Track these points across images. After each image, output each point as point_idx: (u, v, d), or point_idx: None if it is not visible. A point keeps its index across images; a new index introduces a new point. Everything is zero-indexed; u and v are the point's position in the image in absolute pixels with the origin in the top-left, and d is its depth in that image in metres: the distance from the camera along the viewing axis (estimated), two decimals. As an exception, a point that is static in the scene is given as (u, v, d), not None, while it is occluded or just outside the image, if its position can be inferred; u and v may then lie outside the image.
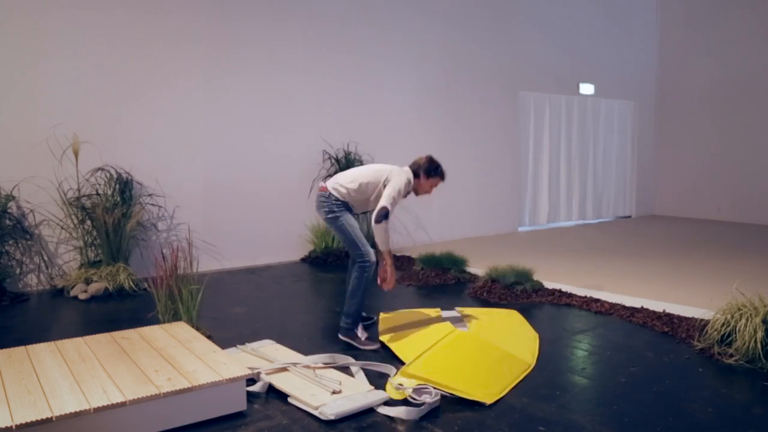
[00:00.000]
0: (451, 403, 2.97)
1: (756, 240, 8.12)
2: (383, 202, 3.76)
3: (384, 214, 3.73)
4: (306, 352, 3.65)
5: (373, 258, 3.86)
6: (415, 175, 4.01)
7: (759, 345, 3.45)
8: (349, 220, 3.91)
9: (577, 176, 10.11)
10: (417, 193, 4.11)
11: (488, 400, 2.98)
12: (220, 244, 6.49)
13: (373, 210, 3.86)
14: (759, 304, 3.64)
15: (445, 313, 4.48)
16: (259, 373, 3.19)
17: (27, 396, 2.60)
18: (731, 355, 3.56)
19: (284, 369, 3.30)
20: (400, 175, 3.89)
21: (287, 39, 6.87)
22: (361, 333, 3.92)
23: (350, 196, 3.93)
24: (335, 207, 3.91)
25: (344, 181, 3.95)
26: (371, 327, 4.21)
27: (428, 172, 4.02)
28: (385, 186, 3.88)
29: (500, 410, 2.88)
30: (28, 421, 2.36)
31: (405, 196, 3.97)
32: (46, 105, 5.54)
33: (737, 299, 3.77)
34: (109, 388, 2.68)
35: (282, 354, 3.59)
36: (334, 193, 3.93)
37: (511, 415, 2.84)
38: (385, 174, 3.92)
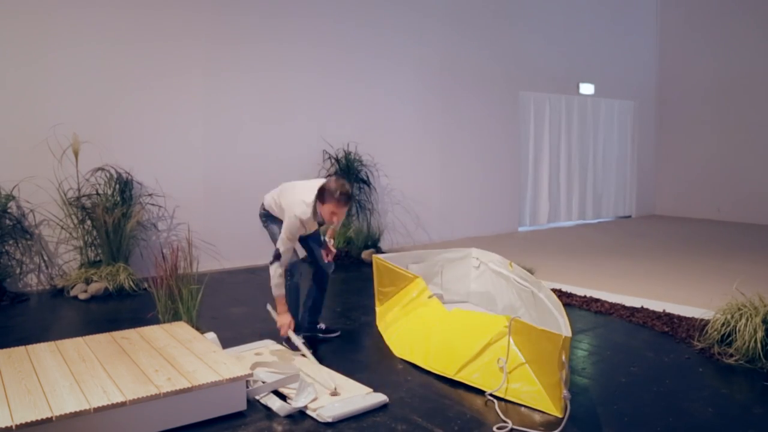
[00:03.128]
0: (451, 402, 2.97)
1: (756, 240, 8.12)
2: (277, 243, 3.54)
3: (275, 255, 3.50)
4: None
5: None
6: (321, 200, 3.53)
7: (759, 345, 3.45)
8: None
9: (577, 176, 10.11)
10: (321, 223, 3.66)
11: (560, 413, 2.79)
12: (220, 244, 6.49)
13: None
14: (759, 304, 3.64)
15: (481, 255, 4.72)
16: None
17: (27, 396, 2.60)
18: (731, 355, 3.56)
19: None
20: (290, 217, 3.51)
21: (287, 38, 6.87)
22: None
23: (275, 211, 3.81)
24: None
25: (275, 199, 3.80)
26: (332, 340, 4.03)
27: (322, 197, 3.50)
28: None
29: (499, 410, 2.88)
30: (28, 421, 2.36)
31: (313, 227, 3.67)
32: (46, 105, 5.54)
33: (737, 299, 3.77)
34: (109, 388, 2.68)
35: (280, 355, 3.59)
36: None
37: (511, 415, 2.84)
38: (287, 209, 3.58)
